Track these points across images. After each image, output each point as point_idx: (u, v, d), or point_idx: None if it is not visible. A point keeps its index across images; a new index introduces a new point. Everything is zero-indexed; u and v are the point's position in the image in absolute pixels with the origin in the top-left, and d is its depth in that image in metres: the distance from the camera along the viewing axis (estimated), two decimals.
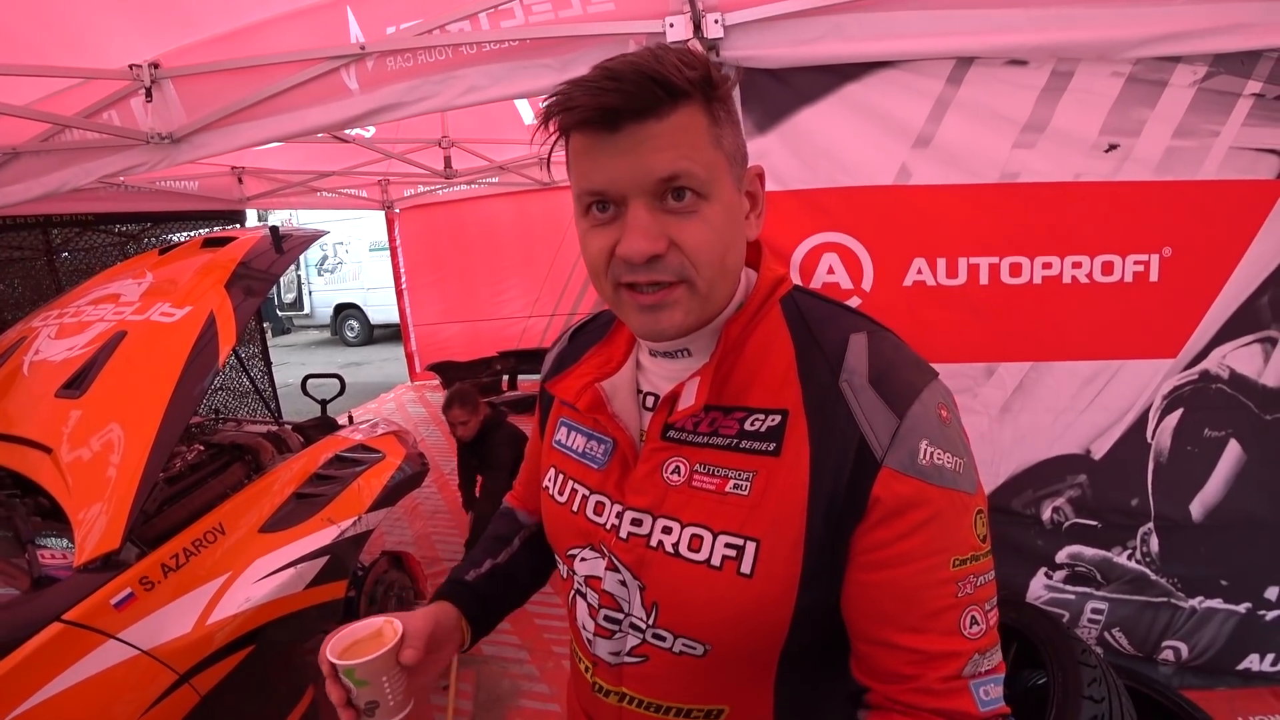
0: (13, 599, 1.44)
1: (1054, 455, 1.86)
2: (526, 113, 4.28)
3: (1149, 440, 1.80)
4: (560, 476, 0.81)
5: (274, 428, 2.69)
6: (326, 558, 1.94)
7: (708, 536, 0.66)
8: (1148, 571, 1.86)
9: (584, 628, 0.78)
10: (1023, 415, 1.83)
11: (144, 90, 2.24)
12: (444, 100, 1.96)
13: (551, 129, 0.64)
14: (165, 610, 1.56)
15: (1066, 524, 1.88)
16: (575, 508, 0.77)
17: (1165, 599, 1.86)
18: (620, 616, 0.73)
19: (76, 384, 1.91)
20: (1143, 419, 1.79)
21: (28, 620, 1.37)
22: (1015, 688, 1.69)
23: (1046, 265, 1.72)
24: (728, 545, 0.65)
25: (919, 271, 1.76)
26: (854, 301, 1.78)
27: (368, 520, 2.16)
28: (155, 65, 2.23)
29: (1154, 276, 1.69)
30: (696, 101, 0.62)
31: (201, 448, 2.31)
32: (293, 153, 4.43)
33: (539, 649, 2.75)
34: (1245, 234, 1.66)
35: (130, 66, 2.22)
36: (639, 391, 0.77)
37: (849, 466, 0.62)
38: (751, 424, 0.67)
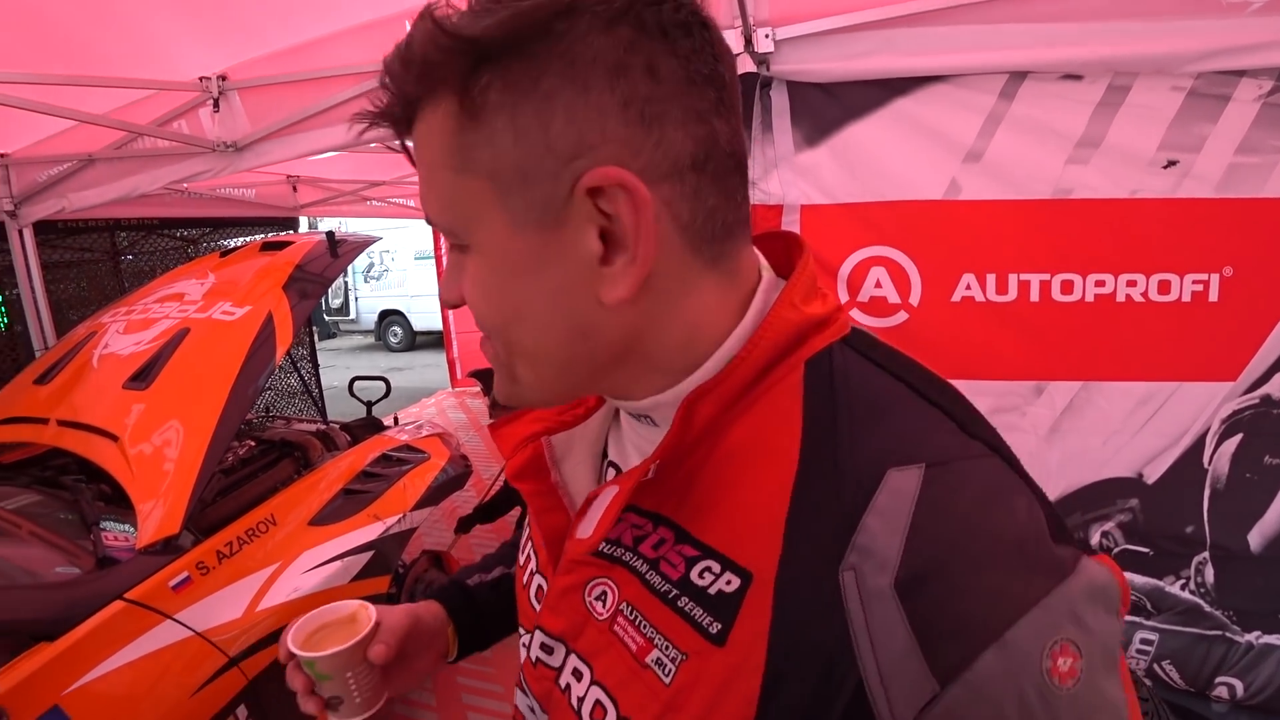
0: (79, 577, 1.51)
1: (1104, 478, 1.81)
2: None
3: (1205, 466, 1.74)
4: (526, 536, 0.62)
5: (322, 426, 2.77)
6: (371, 553, 2.00)
7: (612, 713, 0.45)
8: (1202, 603, 1.78)
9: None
10: (1072, 436, 1.79)
11: (212, 101, 2.35)
12: None
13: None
14: (218, 595, 1.63)
15: (1116, 549, 1.82)
16: (525, 580, 0.59)
17: (1220, 632, 1.79)
18: None
19: (143, 377, 2.00)
20: (1199, 443, 1.73)
21: (92, 597, 1.44)
22: None
23: (1100, 283, 1.69)
24: None
25: (968, 287, 1.74)
26: (901, 316, 1.77)
27: (411, 519, 2.21)
28: (223, 77, 2.34)
29: (1213, 296, 1.64)
30: (442, 96, 0.39)
31: (253, 443, 2.39)
32: (345, 162, 4.57)
33: None
34: None
35: (200, 79, 2.33)
36: (604, 456, 0.55)
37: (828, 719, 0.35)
38: (700, 575, 0.42)
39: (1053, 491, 1.83)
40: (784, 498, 0.39)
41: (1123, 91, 1.56)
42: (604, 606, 0.47)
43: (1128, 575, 1.79)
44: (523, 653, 0.56)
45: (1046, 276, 1.70)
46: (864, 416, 0.40)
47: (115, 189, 2.70)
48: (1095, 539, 1.83)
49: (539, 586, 0.55)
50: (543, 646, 0.52)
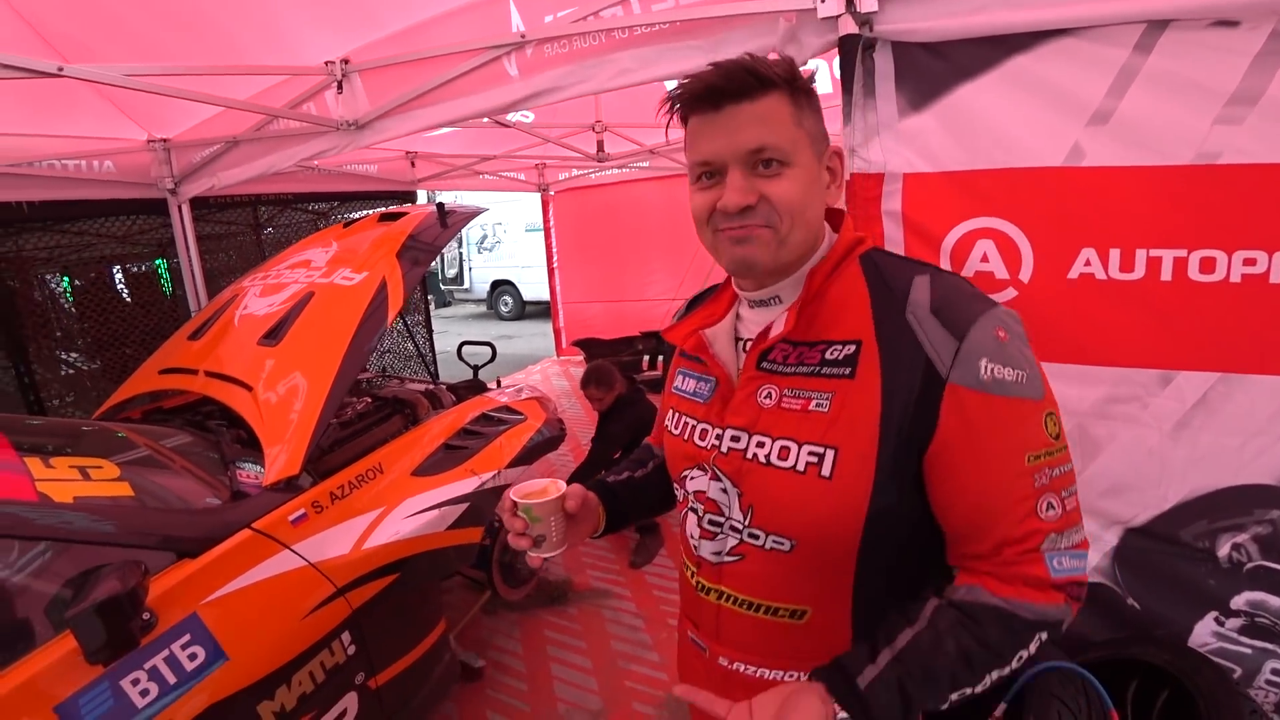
0: (217, 507, 1.71)
1: (1240, 484, 1.60)
2: None
3: None
4: (676, 415, 0.99)
5: (431, 386, 2.96)
6: (467, 505, 2.12)
7: (794, 447, 0.81)
8: None
9: (691, 535, 0.94)
10: (1203, 434, 1.60)
11: (336, 83, 2.52)
12: (597, 84, 2.03)
13: (674, 118, 0.84)
14: (329, 532, 1.79)
15: (1249, 565, 1.62)
16: (686, 436, 0.94)
17: None
18: (722, 520, 0.89)
19: (274, 335, 2.22)
20: None
21: (227, 524, 1.63)
22: None
23: (1249, 261, 1.49)
24: (810, 453, 0.80)
25: (1087, 263, 1.59)
26: (1009, 294, 1.65)
27: (506, 475, 2.33)
28: (346, 61, 2.51)
29: None
30: (782, 90, 0.80)
31: (369, 400, 2.59)
32: (459, 138, 4.79)
33: (654, 619, 2.83)
34: None
35: (325, 63, 2.51)
36: (737, 339, 0.94)
37: (918, 386, 0.75)
38: (831, 354, 0.81)
39: (1175, 494, 1.65)
40: (867, 307, 0.81)
41: None
42: (771, 401, 0.84)
43: (1262, 595, 1.62)
44: (683, 489, 0.96)
45: (1182, 253, 1.52)
46: (895, 268, 0.84)
47: (255, 167, 2.98)
48: (1224, 550, 1.64)
49: (701, 429, 0.92)
50: (732, 438, 0.87)
